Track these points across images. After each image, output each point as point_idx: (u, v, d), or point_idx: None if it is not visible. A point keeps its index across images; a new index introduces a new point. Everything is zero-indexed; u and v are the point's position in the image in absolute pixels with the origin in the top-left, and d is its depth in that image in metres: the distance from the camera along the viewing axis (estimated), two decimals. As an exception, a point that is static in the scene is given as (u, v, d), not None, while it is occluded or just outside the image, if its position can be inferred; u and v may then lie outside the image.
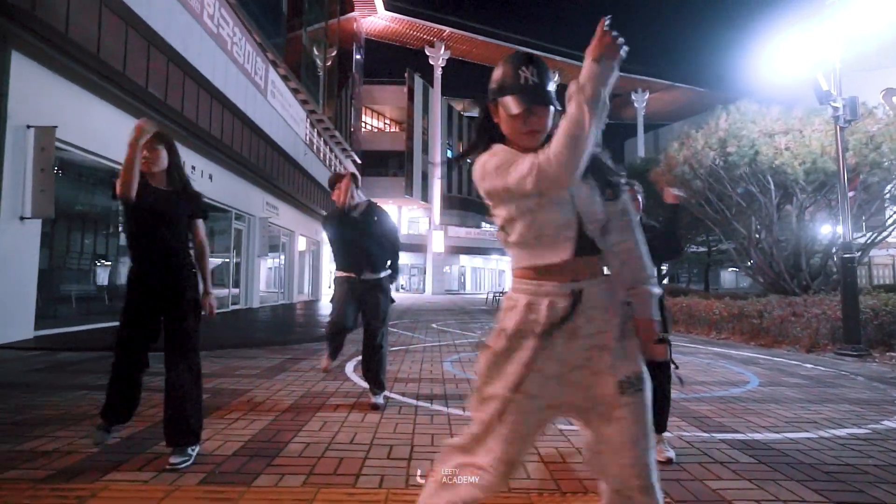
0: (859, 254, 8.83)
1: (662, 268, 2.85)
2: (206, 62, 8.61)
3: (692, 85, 48.75)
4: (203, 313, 2.34)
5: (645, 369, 1.19)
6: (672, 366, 2.12)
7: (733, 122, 9.09)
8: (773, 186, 9.12)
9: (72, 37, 5.71)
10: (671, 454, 2.49)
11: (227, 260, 13.07)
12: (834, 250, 9.22)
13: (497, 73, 1.25)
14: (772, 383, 4.70)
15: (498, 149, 1.22)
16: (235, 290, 13.50)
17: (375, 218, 3.49)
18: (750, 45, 8.02)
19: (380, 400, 3.39)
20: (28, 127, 6.06)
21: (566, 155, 1.03)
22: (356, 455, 2.48)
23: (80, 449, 2.46)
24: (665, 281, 13.65)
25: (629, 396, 1.14)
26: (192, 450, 2.25)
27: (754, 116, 8.94)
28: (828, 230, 9.90)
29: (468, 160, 1.34)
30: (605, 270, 1.24)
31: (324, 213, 19.93)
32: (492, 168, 1.17)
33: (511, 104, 1.17)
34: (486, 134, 1.31)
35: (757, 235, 10.02)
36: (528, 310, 1.16)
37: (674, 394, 2.95)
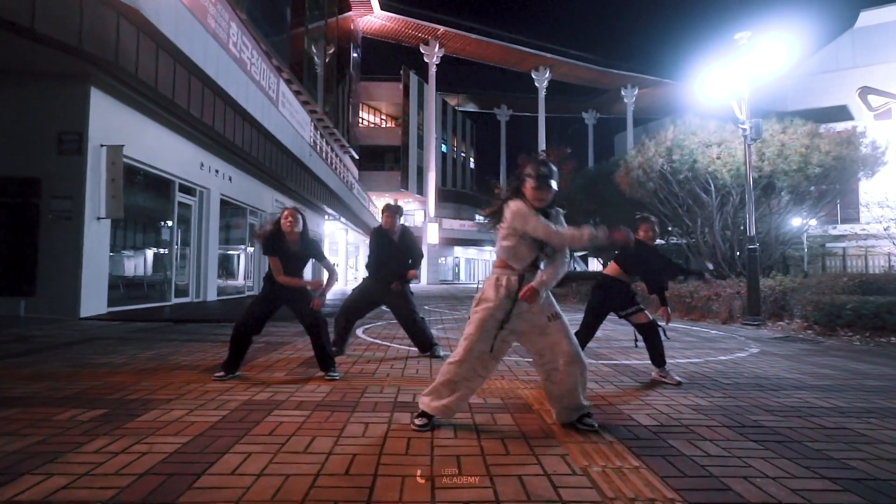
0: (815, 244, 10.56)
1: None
2: (231, 84, 10.16)
3: (679, 81, 49.95)
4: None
5: (559, 310, 2.56)
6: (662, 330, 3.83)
7: (678, 133, 10.76)
8: (713, 188, 10.81)
9: (140, 76, 7.28)
10: (678, 378, 3.72)
11: (243, 251, 14.74)
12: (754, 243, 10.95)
13: (529, 166, 2.50)
14: (672, 341, 6.39)
15: (522, 204, 2.48)
16: (251, 280, 15.17)
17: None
18: (692, 64, 9.58)
19: (439, 352, 4.72)
20: (101, 146, 7.66)
21: (561, 243, 2.45)
22: (371, 367, 4.17)
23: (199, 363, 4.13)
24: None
25: (553, 323, 2.50)
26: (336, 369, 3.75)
27: (695, 129, 10.61)
28: (763, 225, 11.62)
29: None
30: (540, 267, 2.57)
31: (325, 207, 21.55)
32: (520, 213, 2.45)
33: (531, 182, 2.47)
34: (515, 193, 2.55)
35: (703, 230, 11.73)
36: (500, 282, 2.51)
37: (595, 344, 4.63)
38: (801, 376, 4.11)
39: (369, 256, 4.85)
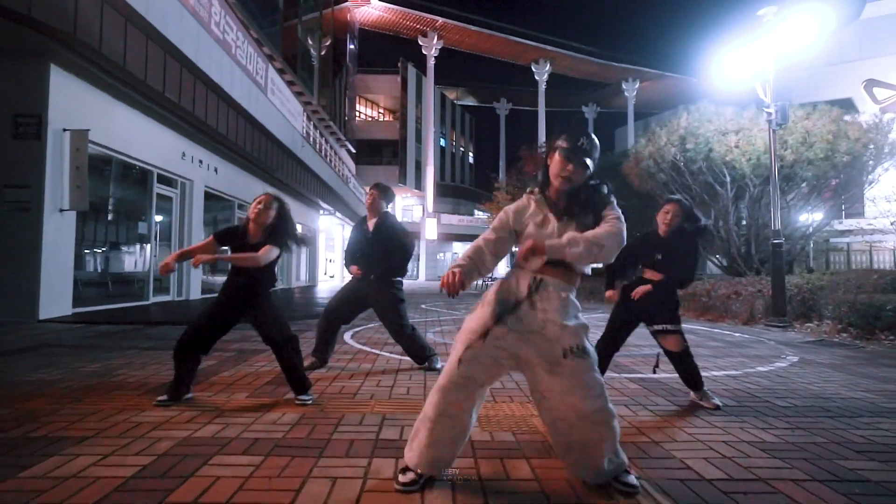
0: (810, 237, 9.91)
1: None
2: (214, 66, 9.43)
3: (682, 74, 49.28)
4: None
5: (589, 346, 1.77)
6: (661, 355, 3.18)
7: (692, 120, 10.06)
8: (728, 179, 10.13)
9: (104, 52, 6.56)
10: (717, 402, 3.03)
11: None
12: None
13: (563, 136, 1.85)
14: (695, 346, 5.72)
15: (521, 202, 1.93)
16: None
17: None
18: (708, 48, 8.89)
19: (436, 364, 4.03)
20: (64, 130, 6.94)
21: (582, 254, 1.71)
22: (355, 384, 3.49)
23: (149, 380, 3.44)
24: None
25: (569, 360, 1.72)
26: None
27: (710, 116, 9.91)
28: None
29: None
30: (568, 276, 1.83)
31: (320, 201, 20.83)
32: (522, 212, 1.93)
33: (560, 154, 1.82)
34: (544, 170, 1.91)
35: (717, 224, 11.04)
36: (509, 283, 1.86)
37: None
38: (867, 395, 3.44)
39: (346, 248, 4.22)
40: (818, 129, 8.91)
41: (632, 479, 1.83)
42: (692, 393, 3.17)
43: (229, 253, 2.99)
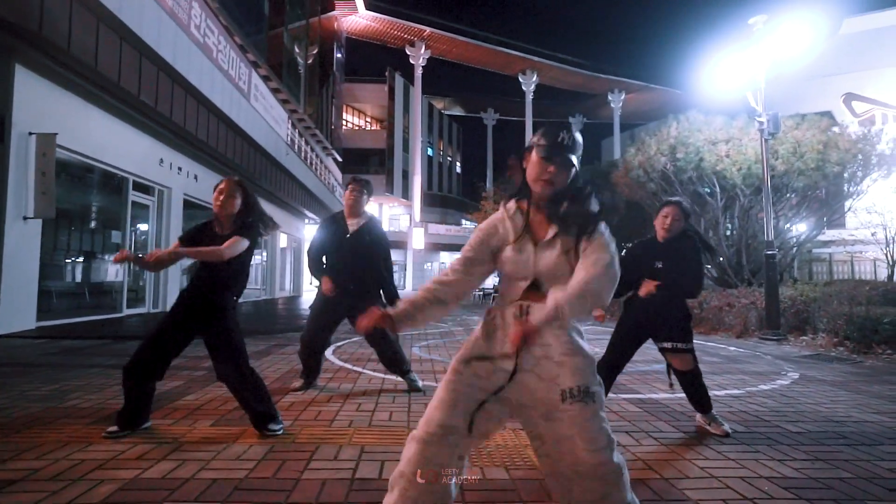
0: (794, 249, 9.84)
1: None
2: (193, 70, 9.13)
3: (666, 86, 49.96)
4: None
5: (595, 385, 1.42)
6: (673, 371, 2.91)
7: (682, 130, 9.97)
8: (718, 189, 10.03)
9: (73, 52, 6.23)
10: (727, 428, 2.80)
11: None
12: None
13: (538, 133, 1.52)
14: (690, 361, 5.52)
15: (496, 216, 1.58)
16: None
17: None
18: (697, 59, 8.82)
19: (416, 383, 3.72)
20: (30, 134, 6.57)
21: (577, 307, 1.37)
22: (333, 408, 3.19)
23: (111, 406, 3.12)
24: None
25: (569, 404, 1.37)
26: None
27: (700, 126, 9.83)
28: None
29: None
30: None
31: (305, 210, 20.47)
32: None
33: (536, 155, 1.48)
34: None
35: (707, 234, 10.94)
36: (495, 321, 1.52)
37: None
38: (881, 418, 3.24)
39: (311, 251, 3.67)
40: (808, 140, 8.86)
41: None
42: (699, 416, 2.94)
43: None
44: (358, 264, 3.53)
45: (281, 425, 2.69)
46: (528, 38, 59.78)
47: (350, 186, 3.61)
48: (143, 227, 10.07)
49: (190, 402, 3.28)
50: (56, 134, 6.70)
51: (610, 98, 51.21)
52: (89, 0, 6.36)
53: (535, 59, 45.49)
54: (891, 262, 21.11)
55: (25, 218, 6.54)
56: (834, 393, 3.97)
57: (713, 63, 8.37)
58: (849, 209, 10.69)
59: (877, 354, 5.95)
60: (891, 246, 20.87)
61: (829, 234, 31.84)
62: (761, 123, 7.45)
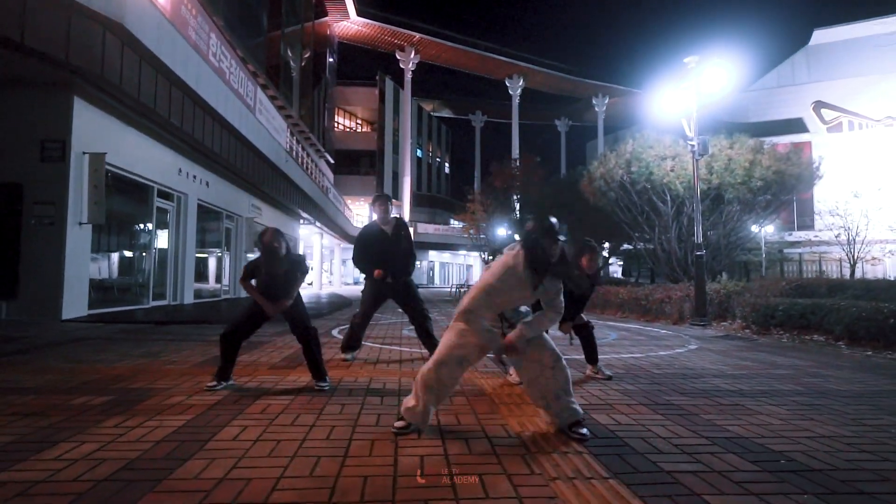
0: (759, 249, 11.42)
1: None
2: (211, 93, 10.45)
3: (648, 91, 51.45)
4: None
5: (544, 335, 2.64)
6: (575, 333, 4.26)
7: (637, 146, 11.52)
8: (669, 199, 11.59)
9: (123, 87, 7.57)
10: (609, 373, 4.09)
11: (219, 254, 14.93)
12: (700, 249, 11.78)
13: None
14: (622, 339, 7.02)
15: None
16: (226, 283, 15.36)
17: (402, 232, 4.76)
18: (653, 83, 10.30)
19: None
20: (84, 153, 7.91)
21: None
22: (342, 366, 4.64)
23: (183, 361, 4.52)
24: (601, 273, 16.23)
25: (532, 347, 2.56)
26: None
27: (652, 143, 11.39)
28: (716, 233, 12.49)
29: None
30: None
31: (300, 212, 21.78)
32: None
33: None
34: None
35: (660, 237, 12.51)
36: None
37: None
38: (723, 367, 4.74)
39: (357, 258, 4.82)
40: (738, 158, 10.43)
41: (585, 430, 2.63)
42: (588, 367, 4.31)
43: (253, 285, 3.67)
44: (398, 254, 4.80)
45: (328, 383, 3.65)
46: (515, 44, 61.15)
47: (378, 202, 4.79)
48: (163, 229, 11.39)
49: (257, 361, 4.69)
50: (105, 153, 8.05)
51: (594, 102, 52.86)
52: (135, 43, 7.69)
53: (522, 64, 47.03)
54: (852, 262, 22.85)
55: (81, 223, 7.88)
56: (709, 356, 5.48)
57: (660, 90, 9.88)
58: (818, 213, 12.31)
59: (771, 335, 7.50)
60: (852, 246, 22.63)
61: (796, 235, 33.57)
62: (692, 146, 8.98)
